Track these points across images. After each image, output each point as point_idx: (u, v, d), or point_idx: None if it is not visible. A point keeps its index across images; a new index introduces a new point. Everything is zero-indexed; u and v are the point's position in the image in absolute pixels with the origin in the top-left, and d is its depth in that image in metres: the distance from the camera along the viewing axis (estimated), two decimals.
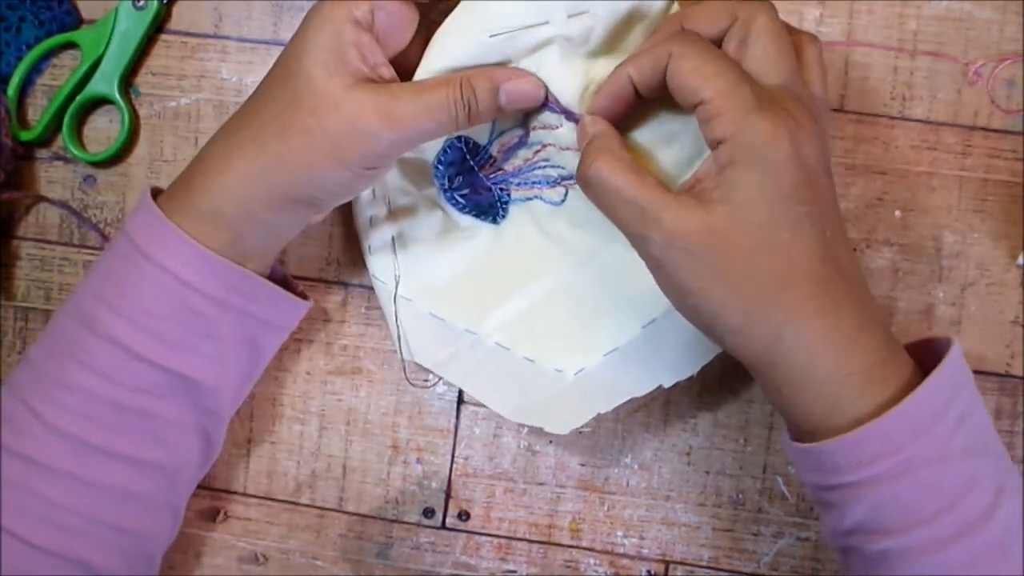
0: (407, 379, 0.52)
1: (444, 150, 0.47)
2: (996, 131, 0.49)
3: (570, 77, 0.43)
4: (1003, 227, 0.50)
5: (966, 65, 0.49)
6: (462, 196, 0.48)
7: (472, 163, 0.48)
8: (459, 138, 0.47)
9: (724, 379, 0.52)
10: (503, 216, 0.49)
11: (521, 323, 0.49)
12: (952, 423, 0.39)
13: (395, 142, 0.41)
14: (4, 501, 0.42)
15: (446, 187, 0.48)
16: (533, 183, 0.48)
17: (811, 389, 0.39)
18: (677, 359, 0.48)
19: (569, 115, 0.44)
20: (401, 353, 0.50)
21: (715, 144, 0.38)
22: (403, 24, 0.43)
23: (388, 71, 0.42)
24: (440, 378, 0.52)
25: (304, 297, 0.49)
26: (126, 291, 0.43)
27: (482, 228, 0.50)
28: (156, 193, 0.45)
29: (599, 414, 0.48)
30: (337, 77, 0.40)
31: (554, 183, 0.47)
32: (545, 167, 0.47)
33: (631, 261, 0.47)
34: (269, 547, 0.55)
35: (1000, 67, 0.49)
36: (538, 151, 0.47)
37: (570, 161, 0.46)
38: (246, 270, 0.44)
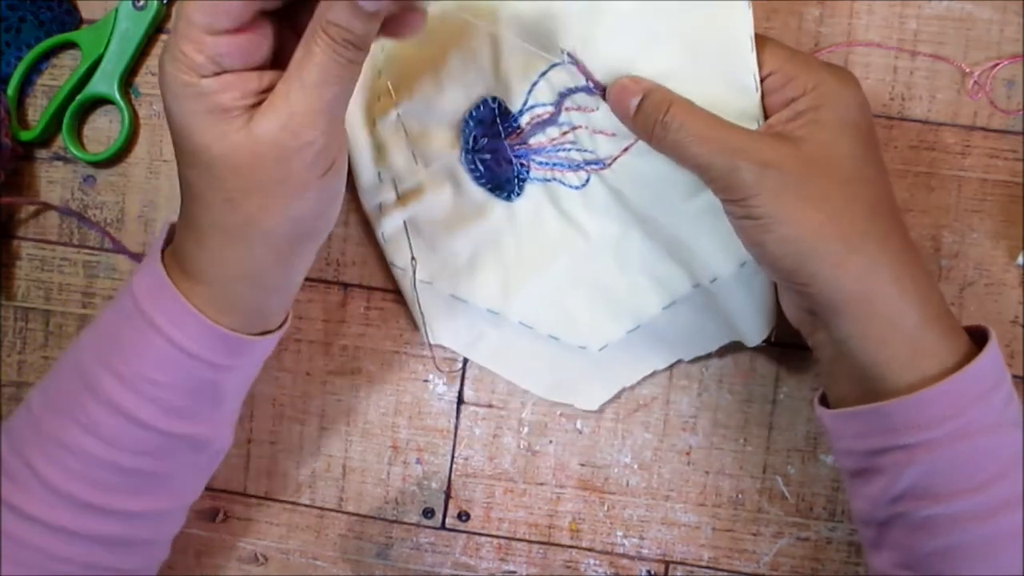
0: (436, 367, 0.53)
1: (477, 107, 0.47)
2: (996, 131, 0.49)
3: (615, 53, 0.42)
4: (1002, 227, 0.50)
5: (966, 75, 0.49)
6: (482, 162, 0.48)
7: (500, 128, 0.47)
8: (493, 98, 0.46)
9: (724, 379, 0.52)
10: (518, 194, 0.49)
11: (543, 302, 0.50)
12: (1006, 394, 0.40)
13: (317, 129, 0.37)
14: (10, 557, 0.42)
15: (469, 148, 0.48)
16: (554, 164, 0.47)
17: (900, 330, 0.39)
18: (696, 337, 0.49)
19: (602, 90, 0.43)
20: (427, 338, 0.51)
21: (788, 103, 0.40)
22: (252, 50, 0.38)
23: (264, 79, 0.38)
24: (464, 362, 0.52)
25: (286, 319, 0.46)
26: (129, 356, 0.41)
27: (495, 206, 0.49)
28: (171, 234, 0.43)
29: (623, 388, 0.51)
30: (231, 123, 0.37)
31: (576, 167, 0.47)
32: (570, 150, 0.47)
33: (650, 248, 0.47)
34: (269, 547, 0.54)
35: (1000, 67, 0.49)
36: (565, 132, 0.46)
37: (602, 146, 0.45)
38: (252, 338, 0.42)
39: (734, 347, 0.51)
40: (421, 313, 0.50)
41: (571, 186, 0.47)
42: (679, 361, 0.50)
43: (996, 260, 0.50)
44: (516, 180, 0.48)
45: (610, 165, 0.46)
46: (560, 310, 0.50)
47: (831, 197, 0.39)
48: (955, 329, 0.40)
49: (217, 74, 0.37)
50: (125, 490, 0.43)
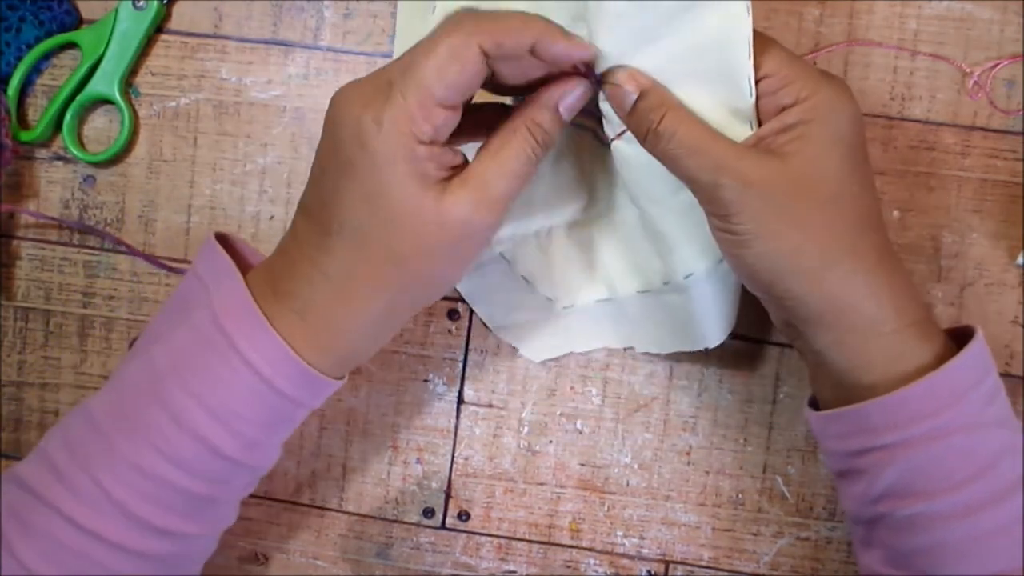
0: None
1: None
2: (995, 131, 0.49)
3: (614, 42, 0.41)
4: (1002, 227, 0.50)
5: (966, 75, 0.49)
6: None
7: None
8: None
9: (724, 379, 0.52)
10: None
11: (528, 243, 0.49)
12: (985, 395, 0.40)
13: (501, 218, 0.41)
14: (63, 566, 0.42)
15: None
16: (590, 112, 0.46)
17: (877, 337, 0.40)
18: (658, 333, 0.50)
19: (595, 77, 0.42)
20: None
21: (780, 110, 0.40)
22: (453, 127, 0.41)
23: (457, 157, 0.41)
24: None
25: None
26: (216, 387, 0.41)
27: None
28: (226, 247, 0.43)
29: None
30: (428, 192, 0.39)
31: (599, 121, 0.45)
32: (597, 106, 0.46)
33: (640, 231, 0.47)
34: (269, 547, 0.55)
35: (1000, 67, 0.49)
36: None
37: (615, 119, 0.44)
38: (333, 380, 0.43)
39: (734, 346, 0.51)
40: None
41: (603, 141, 0.46)
42: (631, 348, 0.51)
43: (996, 260, 0.50)
44: None
45: (607, 144, 0.45)
46: (542, 256, 0.50)
47: (813, 217, 0.39)
48: (935, 333, 0.41)
49: (429, 143, 0.38)
50: (193, 516, 0.43)
